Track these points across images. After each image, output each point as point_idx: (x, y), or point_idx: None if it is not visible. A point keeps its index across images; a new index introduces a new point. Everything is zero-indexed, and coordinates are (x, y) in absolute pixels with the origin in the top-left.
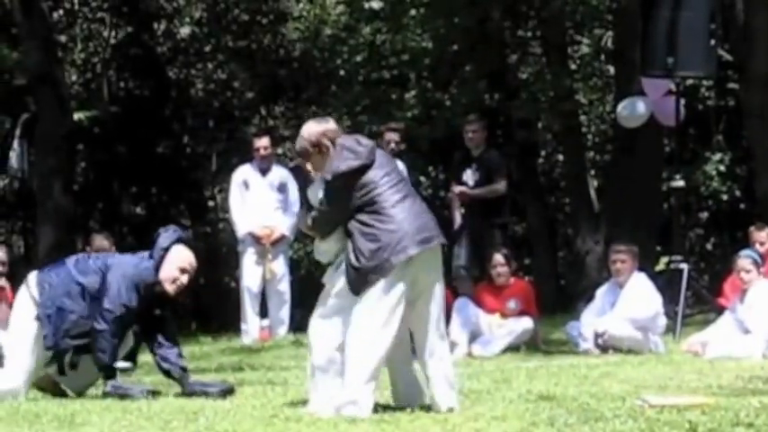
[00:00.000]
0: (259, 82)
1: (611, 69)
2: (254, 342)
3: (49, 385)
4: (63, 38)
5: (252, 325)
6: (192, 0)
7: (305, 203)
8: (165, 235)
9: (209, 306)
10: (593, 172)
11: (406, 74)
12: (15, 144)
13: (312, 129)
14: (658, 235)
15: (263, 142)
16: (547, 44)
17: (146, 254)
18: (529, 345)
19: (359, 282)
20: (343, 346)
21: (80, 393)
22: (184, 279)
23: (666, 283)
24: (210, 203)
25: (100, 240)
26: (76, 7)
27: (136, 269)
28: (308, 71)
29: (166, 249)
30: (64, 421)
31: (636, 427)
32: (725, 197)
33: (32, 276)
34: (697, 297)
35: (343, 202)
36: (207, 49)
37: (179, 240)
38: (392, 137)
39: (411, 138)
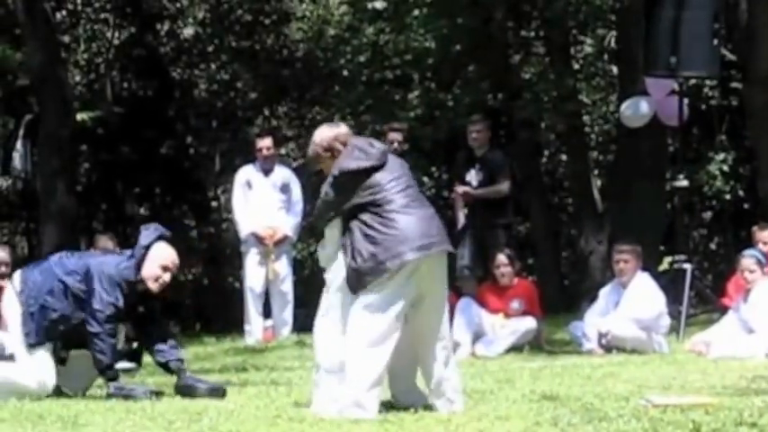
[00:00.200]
0: (262, 82)
1: (615, 69)
2: (257, 342)
3: None
4: (66, 38)
5: (255, 325)
6: (195, 0)
7: (311, 200)
8: (146, 233)
9: (212, 307)
10: (596, 172)
11: (410, 74)
12: (18, 145)
13: (324, 134)
14: (662, 235)
15: (265, 142)
16: (550, 44)
17: (128, 252)
18: (532, 345)
19: (355, 281)
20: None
21: (80, 394)
22: (167, 277)
23: (670, 283)
24: (214, 204)
25: (104, 241)
26: (80, 8)
27: (117, 269)
28: (311, 71)
29: (147, 248)
30: (67, 422)
31: (639, 426)
32: (728, 197)
33: (16, 275)
34: (700, 297)
35: (345, 198)
36: (210, 49)
37: (160, 238)
38: (395, 137)
39: (414, 138)
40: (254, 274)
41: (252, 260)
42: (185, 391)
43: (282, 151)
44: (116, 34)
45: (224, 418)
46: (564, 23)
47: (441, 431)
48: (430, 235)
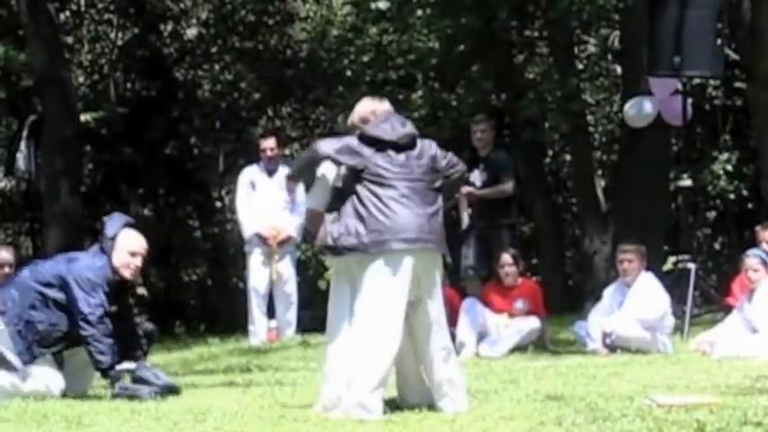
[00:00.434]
0: (266, 83)
1: (618, 69)
2: (261, 343)
3: None
4: (70, 39)
5: (259, 326)
6: (198, 1)
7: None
8: (110, 224)
9: (216, 307)
10: (600, 172)
11: (413, 74)
12: (22, 146)
13: (363, 105)
14: (666, 234)
15: (269, 143)
16: (554, 44)
17: (94, 248)
18: (536, 345)
19: (331, 248)
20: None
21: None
22: (137, 261)
23: (674, 283)
24: (218, 204)
25: None
26: (83, 9)
27: (93, 271)
28: (314, 72)
29: (113, 238)
30: (72, 422)
31: (644, 426)
32: (732, 196)
33: None
34: (705, 297)
35: (341, 157)
36: (214, 50)
37: (125, 226)
38: None
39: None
40: (257, 275)
41: (256, 260)
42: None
43: (286, 152)
44: (119, 35)
45: (228, 418)
46: (568, 23)
47: (445, 431)
48: (421, 231)
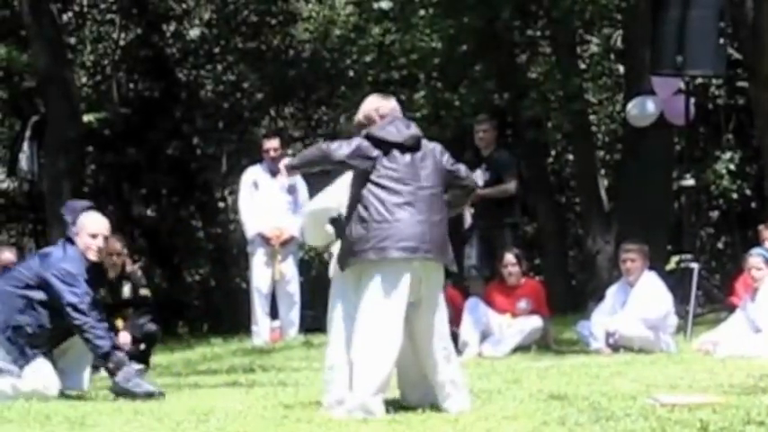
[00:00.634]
0: (269, 83)
1: (621, 68)
2: (264, 343)
3: None
4: (72, 40)
5: (262, 326)
6: (201, 1)
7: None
8: (68, 212)
9: (219, 307)
10: (603, 171)
11: (416, 74)
12: (25, 146)
13: (368, 103)
14: (669, 234)
15: (272, 143)
16: (556, 44)
17: (60, 242)
18: (540, 344)
19: (340, 259)
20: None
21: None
22: (99, 242)
23: (677, 283)
24: (221, 205)
25: (112, 242)
26: (86, 9)
27: (69, 261)
28: (317, 72)
29: (74, 224)
30: (74, 422)
31: (647, 426)
32: (735, 196)
33: None
34: (708, 296)
35: (348, 159)
36: (216, 50)
37: (85, 210)
38: None
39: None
40: (260, 275)
41: (258, 261)
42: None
43: (289, 152)
44: (122, 35)
45: (231, 418)
46: (570, 23)
47: (448, 431)
48: (423, 240)
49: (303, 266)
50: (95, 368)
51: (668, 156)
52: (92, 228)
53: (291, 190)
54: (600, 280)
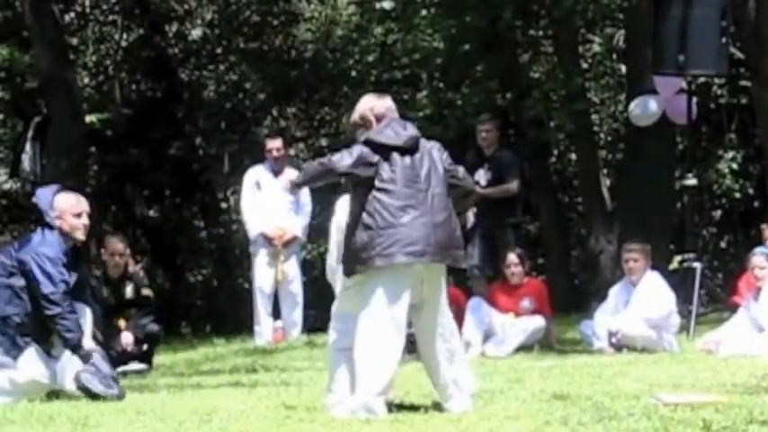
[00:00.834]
0: (271, 83)
1: (623, 68)
2: (267, 343)
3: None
4: (74, 40)
5: (265, 326)
6: (203, 2)
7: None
8: (42, 199)
9: (222, 308)
10: (605, 171)
11: (418, 74)
12: (28, 147)
13: (363, 103)
14: (671, 234)
15: (275, 143)
16: (558, 43)
17: (39, 230)
18: (542, 344)
19: (345, 265)
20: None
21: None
22: (85, 220)
23: (680, 282)
24: (223, 205)
25: (115, 243)
26: (88, 10)
27: (49, 246)
28: (319, 72)
29: (52, 209)
30: (77, 423)
31: (650, 425)
32: (738, 195)
33: None
34: (711, 296)
35: (352, 169)
36: (218, 50)
37: (56, 193)
38: None
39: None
40: (263, 275)
41: (261, 261)
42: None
43: (292, 152)
44: (124, 36)
45: (234, 418)
46: (572, 22)
47: (451, 430)
48: (428, 242)
49: (305, 266)
50: None
51: (670, 155)
52: (76, 208)
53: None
54: (602, 279)
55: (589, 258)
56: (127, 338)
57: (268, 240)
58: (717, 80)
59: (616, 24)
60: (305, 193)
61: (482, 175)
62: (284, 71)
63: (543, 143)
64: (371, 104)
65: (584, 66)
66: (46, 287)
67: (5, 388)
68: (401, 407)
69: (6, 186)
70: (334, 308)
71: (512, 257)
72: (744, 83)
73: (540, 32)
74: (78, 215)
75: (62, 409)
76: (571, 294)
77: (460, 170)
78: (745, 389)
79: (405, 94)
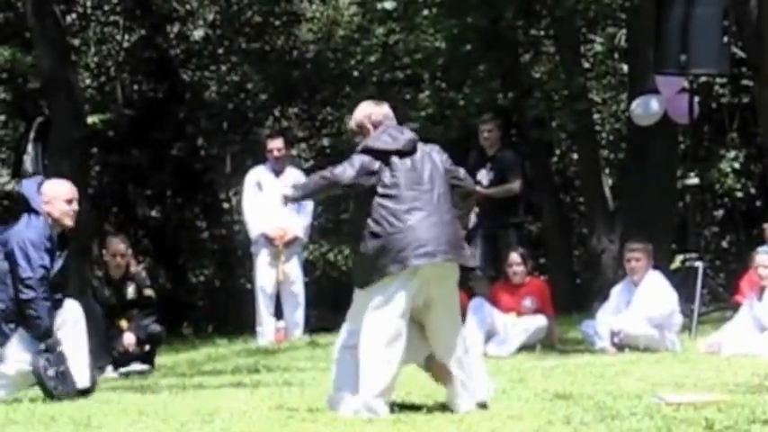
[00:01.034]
0: (272, 84)
1: (625, 67)
2: (269, 344)
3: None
4: (76, 41)
5: (267, 326)
6: (204, 2)
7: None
8: (28, 188)
9: (224, 308)
10: (607, 170)
11: (420, 74)
12: (29, 148)
13: (360, 110)
14: (673, 233)
15: (276, 144)
16: (560, 43)
17: (25, 216)
18: (545, 344)
19: (359, 278)
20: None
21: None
22: (75, 206)
23: (682, 281)
24: (225, 205)
25: (116, 243)
26: (89, 11)
27: (33, 230)
28: (321, 72)
29: (40, 194)
30: (80, 424)
31: (652, 424)
32: (740, 194)
33: None
34: (713, 295)
35: (355, 179)
36: (220, 51)
37: (42, 182)
38: None
39: (425, 137)
40: (264, 275)
41: (262, 261)
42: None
43: (293, 152)
44: (126, 37)
45: (236, 419)
46: (574, 22)
47: (453, 430)
48: (439, 242)
49: (308, 267)
50: (100, 369)
51: (672, 154)
52: (66, 194)
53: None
54: (604, 279)
55: (591, 258)
56: (129, 339)
57: (269, 241)
58: (718, 79)
59: (618, 24)
60: None
61: (484, 175)
62: (286, 71)
63: (545, 143)
64: (368, 112)
65: (586, 65)
66: (24, 271)
67: None
68: (403, 407)
69: (8, 188)
70: (350, 310)
71: (514, 257)
72: (745, 82)
73: (542, 32)
74: (69, 201)
75: (64, 409)
76: (573, 294)
77: (461, 171)
78: (748, 388)
79: (407, 95)
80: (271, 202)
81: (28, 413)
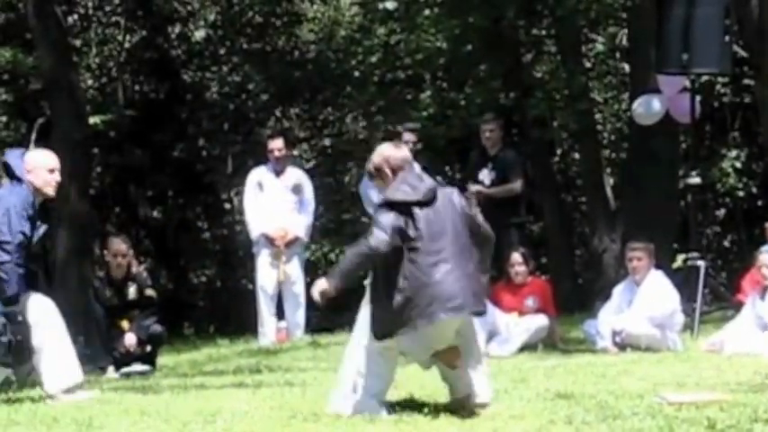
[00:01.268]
0: (274, 84)
1: (626, 67)
2: (271, 344)
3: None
4: (77, 42)
5: (268, 327)
6: (206, 3)
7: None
8: (12, 159)
9: (226, 308)
10: (609, 170)
11: (421, 74)
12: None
13: (379, 153)
14: (675, 232)
15: (277, 144)
16: (561, 43)
17: (7, 184)
18: (547, 343)
19: (379, 329)
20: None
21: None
22: (57, 177)
23: (684, 281)
24: (227, 206)
25: (118, 244)
26: (91, 11)
27: (16, 196)
28: (322, 72)
29: (23, 163)
30: (82, 425)
31: (654, 424)
32: (741, 194)
33: None
34: (714, 294)
35: (388, 231)
36: (221, 51)
37: (24, 153)
38: (409, 137)
39: (427, 137)
40: (265, 275)
41: (263, 261)
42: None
43: (294, 152)
44: (127, 37)
45: (238, 419)
46: (575, 22)
47: (455, 430)
48: (466, 295)
49: (309, 267)
50: (102, 369)
51: (674, 154)
52: (49, 163)
53: (297, 190)
54: (606, 279)
55: (593, 258)
56: (130, 339)
57: (270, 241)
58: (720, 79)
59: (619, 23)
60: (308, 193)
61: (486, 175)
62: (287, 72)
63: (546, 142)
64: (387, 155)
65: (588, 65)
66: (3, 235)
67: None
68: (405, 407)
69: None
70: (363, 313)
71: (515, 257)
72: (747, 81)
73: (543, 32)
74: (51, 170)
75: (66, 410)
76: (575, 294)
77: (479, 216)
78: (750, 387)
79: (408, 95)
80: (272, 203)
81: (30, 414)
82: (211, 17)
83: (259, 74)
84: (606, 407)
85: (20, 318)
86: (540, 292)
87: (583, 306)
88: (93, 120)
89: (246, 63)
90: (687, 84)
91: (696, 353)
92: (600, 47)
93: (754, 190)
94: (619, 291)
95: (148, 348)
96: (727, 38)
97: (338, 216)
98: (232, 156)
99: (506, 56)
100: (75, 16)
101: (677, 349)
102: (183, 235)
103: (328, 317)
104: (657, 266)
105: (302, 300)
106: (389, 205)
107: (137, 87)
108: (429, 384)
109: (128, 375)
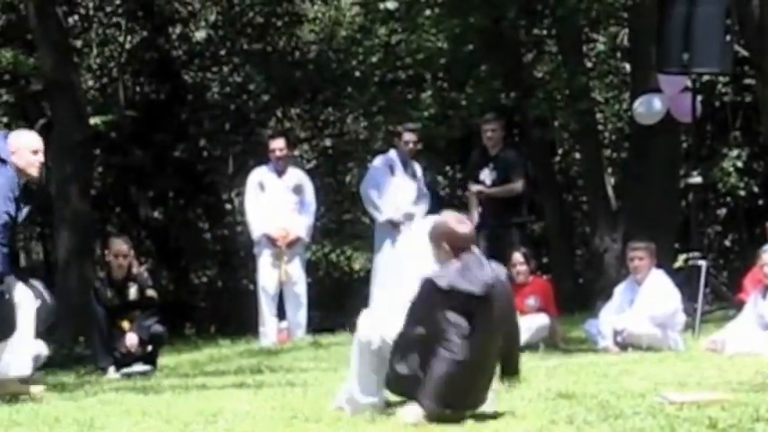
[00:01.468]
0: (275, 84)
1: (627, 66)
2: (272, 344)
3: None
4: (78, 43)
5: (269, 327)
6: (207, 3)
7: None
8: None
9: (227, 309)
10: (610, 170)
11: (422, 74)
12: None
13: (438, 225)
14: (676, 232)
15: (278, 144)
16: (562, 42)
17: None
18: (548, 343)
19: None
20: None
21: None
22: (41, 157)
23: (685, 280)
24: (228, 206)
25: (119, 244)
26: (92, 12)
27: (2, 177)
28: (323, 73)
29: (7, 144)
30: (83, 425)
31: (656, 424)
32: (742, 193)
33: None
34: (716, 294)
35: (428, 310)
36: (222, 52)
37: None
38: (410, 137)
39: (428, 137)
40: (266, 276)
41: (265, 261)
42: None
43: (295, 152)
44: (128, 38)
45: (240, 419)
46: (576, 21)
47: (457, 430)
48: (477, 397)
49: (310, 267)
50: (103, 369)
51: (675, 153)
52: (34, 145)
53: (298, 190)
54: (607, 278)
55: (594, 257)
56: (131, 340)
57: (271, 241)
58: (721, 78)
59: (620, 23)
60: (309, 193)
61: (487, 175)
62: (288, 72)
63: (547, 142)
64: (446, 231)
65: (589, 65)
66: None
67: None
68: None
69: None
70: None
71: (517, 256)
72: (748, 81)
73: (544, 32)
74: (35, 152)
75: (68, 410)
76: (576, 293)
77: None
78: (751, 387)
79: (409, 95)
80: (273, 203)
81: (31, 414)
82: (212, 18)
83: (260, 74)
84: (608, 406)
85: (6, 296)
86: (541, 291)
87: (584, 306)
88: (93, 120)
89: (247, 63)
90: (688, 83)
91: (697, 352)
92: (601, 46)
93: (756, 189)
94: (620, 290)
95: (149, 349)
96: (728, 37)
97: (339, 216)
98: (233, 156)
99: (507, 56)
100: (76, 17)
101: (679, 349)
102: (184, 235)
103: (329, 317)
104: (659, 266)
105: (304, 300)
106: (451, 291)
107: (138, 88)
108: None
109: (129, 376)
